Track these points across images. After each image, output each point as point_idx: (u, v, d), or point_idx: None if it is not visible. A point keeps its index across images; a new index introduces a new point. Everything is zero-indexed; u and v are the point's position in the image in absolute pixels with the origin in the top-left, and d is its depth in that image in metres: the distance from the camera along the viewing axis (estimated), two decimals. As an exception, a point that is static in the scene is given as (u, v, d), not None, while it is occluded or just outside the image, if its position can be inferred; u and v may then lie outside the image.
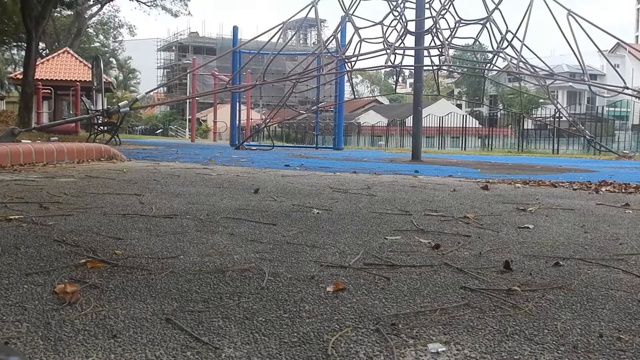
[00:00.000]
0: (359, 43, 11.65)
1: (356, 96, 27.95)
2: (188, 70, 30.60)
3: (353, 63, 12.20)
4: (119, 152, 7.45)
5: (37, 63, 18.04)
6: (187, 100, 29.67)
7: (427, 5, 10.95)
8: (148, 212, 2.71)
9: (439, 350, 1.08)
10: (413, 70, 11.34)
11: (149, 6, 31.58)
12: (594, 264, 1.94)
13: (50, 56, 23.22)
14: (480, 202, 3.58)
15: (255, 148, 14.19)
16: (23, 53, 22.19)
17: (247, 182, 4.43)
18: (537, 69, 11.11)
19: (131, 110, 12.57)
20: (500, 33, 11.04)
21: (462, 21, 11.23)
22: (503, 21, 11.07)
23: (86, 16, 31.17)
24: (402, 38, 11.09)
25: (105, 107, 13.17)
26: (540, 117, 26.17)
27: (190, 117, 29.01)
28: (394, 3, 11.36)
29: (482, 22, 11.23)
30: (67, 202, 3.04)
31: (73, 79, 20.36)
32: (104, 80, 15.66)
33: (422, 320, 1.27)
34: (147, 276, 1.54)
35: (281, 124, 27.11)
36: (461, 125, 26.36)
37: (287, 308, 1.31)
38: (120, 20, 45.93)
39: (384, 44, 11.14)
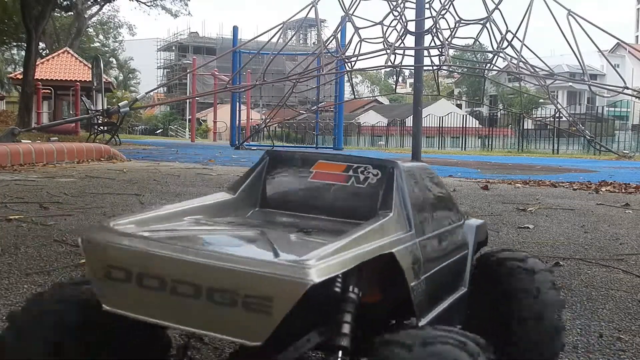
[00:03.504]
0: (359, 43, 11.64)
1: (356, 96, 27.94)
2: (188, 70, 30.57)
3: (353, 63, 12.19)
4: (119, 152, 7.45)
5: (37, 63, 18.01)
6: (187, 100, 29.65)
7: (427, 5, 10.94)
8: (148, 212, 2.71)
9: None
10: (413, 70, 11.33)
11: (149, 6, 31.49)
12: (594, 264, 1.94)
13: (50, 56, 23.18)
14: (480, 202, 3.58)
15: (255, 148, 14.19)
16: (23, 53, 22.14)
17: (247, 182, 4.41)
18: (537, 69, 11.11)
19: (131, 110, 12.57)
20: (500, 33, 11.03)
21: (462, 21, 11.22)
22: (503, 21, 11.06)
23: (86, 16, 31.12)
24: (402, 38, 11.08)
25: (105, 107, 13.15)
26: (540, 117, 26.15)
27: (190, 117, 28.99)
28: (394, 3, 11.35)
29: (482, 22, 11.23)
30: (67, 202, 3.05)
31: (73, 79, 20.32)
32: (104, 80, 15.64)
33: (422, 320, 1.26)
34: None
35: (281, 124, 27.07)
36: (461, 125, 26.34)
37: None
38: (120, 20, 45.81)
39: (384, 44, 11.13)
